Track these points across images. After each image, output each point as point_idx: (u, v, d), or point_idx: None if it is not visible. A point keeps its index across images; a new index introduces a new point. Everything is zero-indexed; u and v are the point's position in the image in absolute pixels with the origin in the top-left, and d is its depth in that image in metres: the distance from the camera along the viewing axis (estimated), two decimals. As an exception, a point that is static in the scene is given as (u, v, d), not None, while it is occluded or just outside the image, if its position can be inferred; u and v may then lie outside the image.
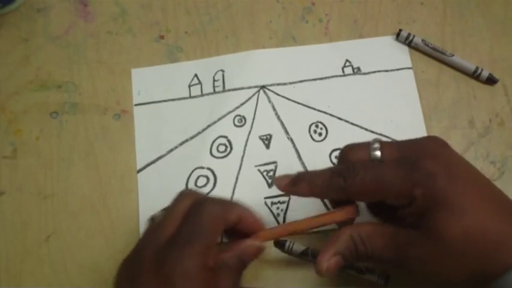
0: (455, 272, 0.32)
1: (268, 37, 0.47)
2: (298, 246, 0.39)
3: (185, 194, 0.35)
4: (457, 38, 0.47)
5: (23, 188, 0.42)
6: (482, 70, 0.45)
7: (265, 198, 0.42)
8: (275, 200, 0.42)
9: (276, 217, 0.41)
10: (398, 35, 0.46)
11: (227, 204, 0.34)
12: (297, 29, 0.47)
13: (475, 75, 0.45)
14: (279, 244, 0.39)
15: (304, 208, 0.40)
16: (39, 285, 0.39)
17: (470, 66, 0.45)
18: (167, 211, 0.34)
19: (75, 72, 0.46)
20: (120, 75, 0.46)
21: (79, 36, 0.47)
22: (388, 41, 0.47)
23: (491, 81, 0.45)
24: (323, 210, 0.40)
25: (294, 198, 0.41)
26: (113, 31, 0.48)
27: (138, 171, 0.43)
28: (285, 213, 0.41)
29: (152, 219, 0.36)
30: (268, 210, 0.41)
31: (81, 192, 0.42)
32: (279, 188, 0.35)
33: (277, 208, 0.42)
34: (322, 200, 0.41)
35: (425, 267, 0.33)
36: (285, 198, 0.42)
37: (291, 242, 0.40)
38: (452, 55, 0.45)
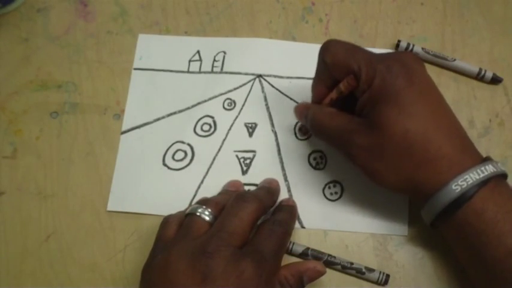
0: (391, 174, 0.34)
1: (268, 37, 0.47)
2: (298, 247, 0.40)
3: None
4: (457, 38, 0.47)
5: (23, 188, 0.42)
6: (485, 71, 0.44)
7: None
8: (246, 188, 0.42)
9: None
10: (397, 46, 0.46)
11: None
12: (297, 29, 0.47)
13: (478, 77, 0.45)
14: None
15: None
16: (39, 285, 0.39)
17: (474, 68, 0.45)
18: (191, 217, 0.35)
19: (75, 72, 0.46)
20: (120, 75, 0.46)
21: (79, 36, 0.47)
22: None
23: (495, 81, 0.45)
24: None
25: None
26: (113, 31, 0.48)
27: (122, 133, 0.44)
28: None
29: (166, 221, 0.37)
30: None
31: (81, 192, 0.42)
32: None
33: None
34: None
35: (364, 160, 0.35)
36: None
37: (291, 242, 0.40)
38: (454, 59, 0.45)
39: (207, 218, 0.35)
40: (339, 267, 0.39)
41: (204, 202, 0.36)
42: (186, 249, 0.32)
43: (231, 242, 0.32)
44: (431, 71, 0.45)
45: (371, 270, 0.39)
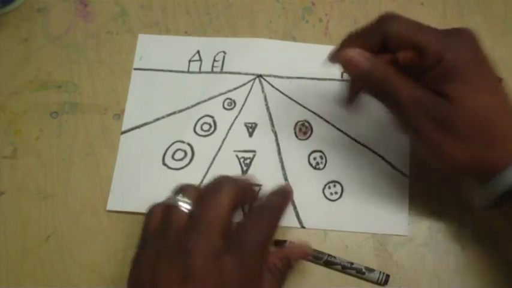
0: (460, 150, 0.33)
1: (268, 37, 0.47)
2: (298, 246, 0.40)
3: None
4: (457, 38, 0.47)
5: (23, 188, 0.42)
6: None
7: None
8: None
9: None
10: None
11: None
12: (297, 29, 0.47)
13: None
14: (279, 244, 0.40)
15: None
16: (39, 285, 0.39)
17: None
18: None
19: (75, 72, 0.46)
20: (120, 75, 0.46)
21: (79, 36, 0.47)
22: None
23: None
24: (290, 209, 0.41)
25: (263, 190, 0.41)
26: (113, 31, 0.48)
27: (122, 133, 0.44)
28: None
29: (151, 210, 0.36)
30: None
31: (81, 192, 0.42)
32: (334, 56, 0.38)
33: None
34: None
35: (434, 133, 0.34)
36: (255, 188, 0.42)
37: (291, 242, 0.40)
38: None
39: (185, 209, 0.34)
40: (339, 267, 0.39)
41: (182, 190, 0.35)
42: (166, 247, 0.32)
43: (209, 236, 0.31)
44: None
45: (371, 270, 0.39)
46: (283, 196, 0.36)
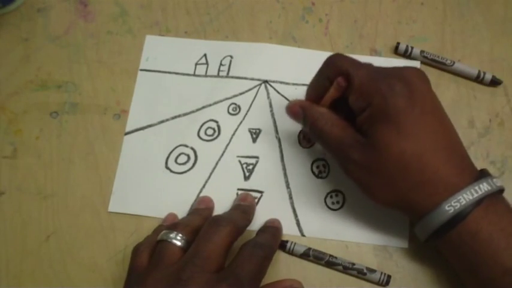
0: (385, 192, 0.35)
1: (268, 37, 0.47)
2: (300, 247, 0.39)
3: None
4: (457, 38, 0.47)
5: (23, 188, 0.42)
6: (485, 74, 0.44)
7: (238, 189, 0.42)
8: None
9: None
10: (396, 48, 0.46)
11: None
12: (297, 29, 0.47)
13: (478, 80, 0.45)
14: (281, 245, 0.40)
15: (271, 208, 0.41)
16: (39, 285, 0.39)
17: (473, 71, 0.45)
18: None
19: (75, 72, 0.46)
20: (120, 75, 0.46)
21: (79, 36, 0.47)
22: (401, 62, 0.46)
23: (494, 83, 0.45)
24: (291, 217, 0.41)
25: (265, 196, 0.42)
26: (113, 31, 0.47)
27: (126, 134, 0.44)
28: None
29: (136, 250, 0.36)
30: None
31: (81, 192, 0.42)
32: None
33: None
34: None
35: (360, 175, 0.35)
36: (257, 195, 0.42)
37: (292, 242, 0.40)
38: (453, 63, 0.45)
39: (179, 243, 0.34)
40: (340, 267, 0.39)
41: (173, 226, 0.36)
42: (160, 279, 0.32)
43: (205, 268, 0.32)
44: (431, 73, 0.45)
45: (372, 270, 0.39)
46: (273, 235, 0.37)
